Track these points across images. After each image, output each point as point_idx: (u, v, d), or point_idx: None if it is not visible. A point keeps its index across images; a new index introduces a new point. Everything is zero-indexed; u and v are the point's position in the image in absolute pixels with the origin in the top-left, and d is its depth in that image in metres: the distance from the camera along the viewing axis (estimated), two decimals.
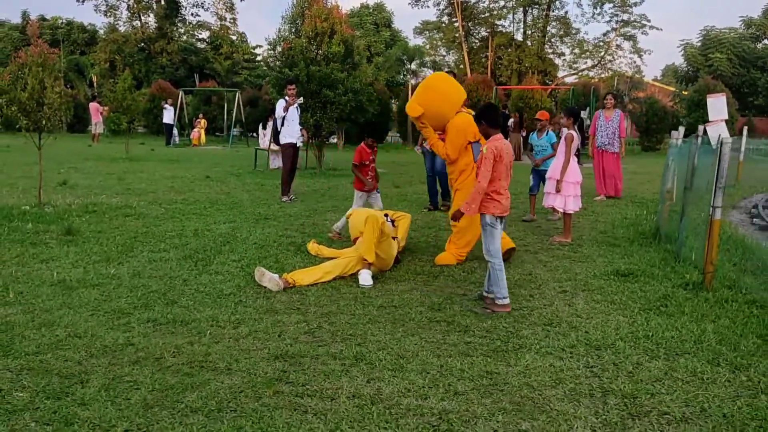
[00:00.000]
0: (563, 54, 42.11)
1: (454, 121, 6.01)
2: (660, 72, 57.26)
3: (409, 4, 46.35)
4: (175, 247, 6.42)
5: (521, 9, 40.54)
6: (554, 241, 7.13)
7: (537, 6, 40.32)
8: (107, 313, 4.36)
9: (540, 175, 8.57)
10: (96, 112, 26.40)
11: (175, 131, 26.94)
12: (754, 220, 9.16)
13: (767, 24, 41.01)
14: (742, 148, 15.44)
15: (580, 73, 40.77)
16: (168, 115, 26.14)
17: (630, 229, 7.75)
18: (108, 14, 44.85)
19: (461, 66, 40.83)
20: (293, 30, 16.06)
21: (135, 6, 44.42)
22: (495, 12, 41.12)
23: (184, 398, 3.14)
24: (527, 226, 8.17)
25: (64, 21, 49.81)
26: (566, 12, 59.35)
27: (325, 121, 14.46)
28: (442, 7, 42.37)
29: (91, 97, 34.98)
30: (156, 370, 3.45)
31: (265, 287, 5.04)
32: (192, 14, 48.38)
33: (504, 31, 41.59)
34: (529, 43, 40.48)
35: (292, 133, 9.81)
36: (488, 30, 41.62)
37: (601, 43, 40.15)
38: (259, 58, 49.04)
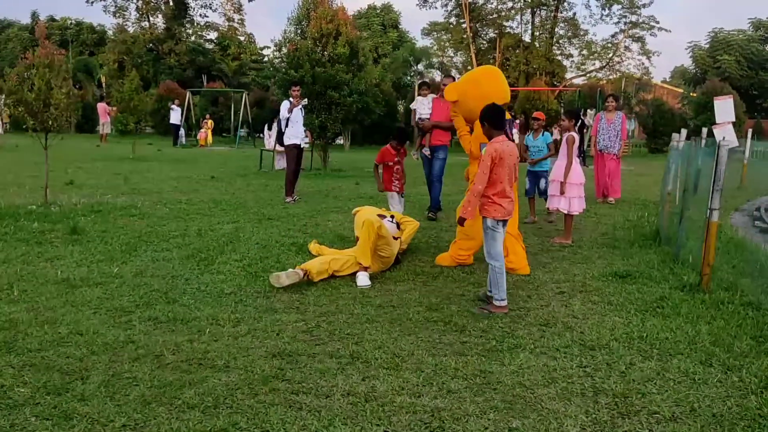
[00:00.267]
0: (571, 55, 41.98)
1: None
2: (669, 74, 57.01)
3: (417, 5, 46.47)
4: (178, 246, 6.50)
5: (529, 10, 40.49)
6: (554, 242, 7.16)
7: (545, 7, 40.25)
8: (109, 311, 4.43)
9: (536, 177, 8.61)
10: (104, 112, 26.64)
11: (182, 132, 27.12)
12: (756, 222, 9.15)
13: None
14: (747, 152, 15.36)
15: (588, 75, 40.66)
16: (175, 116, 26.34)
17: (631, 231, 7.77)
18: (117, 15, 45.39)
19: (469, 67, 40.80)
20: (299, 31, 16.17)
21: (144, 7, 44.76)
22: (503, 13, 41.07)
23: (181, 394, 3.20)
24: (527, 227, 8.18)
25: (73, 22, 50.32)
26: (574, 13, 58.98)
27: (330, 122, 14.53)
28: (450, 8, 42.37)
29: (99, 97, 35.23)
30: (155, 367, 3.52)
31: (283, 287, 5.01)
32: (200, 15, 48.73)
33: (512, 32, 41.55)
34: (537, 45, 40.40)
35: (296, 134, 9.89)
36: (496, 31, 41.54)
37: (610, 45, 40.02)
38: (266, 59, 49.20)
